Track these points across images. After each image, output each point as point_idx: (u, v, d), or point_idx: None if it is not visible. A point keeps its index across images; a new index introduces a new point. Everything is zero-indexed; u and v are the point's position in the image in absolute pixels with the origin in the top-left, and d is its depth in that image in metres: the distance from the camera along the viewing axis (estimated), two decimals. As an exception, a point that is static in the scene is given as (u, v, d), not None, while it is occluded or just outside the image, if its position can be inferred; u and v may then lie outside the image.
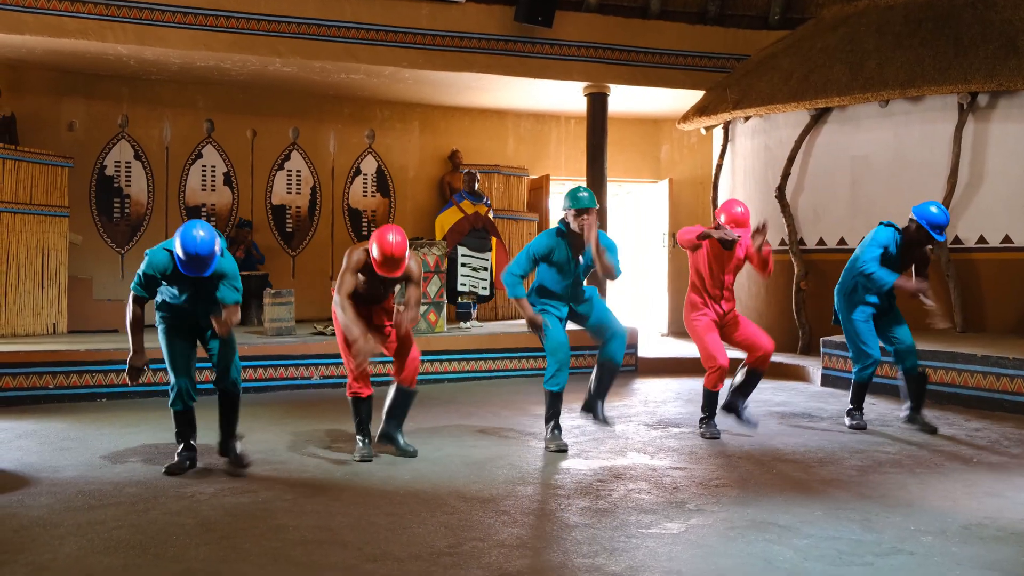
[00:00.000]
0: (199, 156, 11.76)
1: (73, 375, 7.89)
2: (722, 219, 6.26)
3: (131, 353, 5.26)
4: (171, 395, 5.36)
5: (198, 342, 5.48)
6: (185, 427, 5.43)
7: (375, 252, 5.37)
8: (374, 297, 5.74)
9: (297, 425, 6.82)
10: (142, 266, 5.20)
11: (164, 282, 5.21)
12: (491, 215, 10.82)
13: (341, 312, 5.49)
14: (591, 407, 6.24)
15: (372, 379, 5.79)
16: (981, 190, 9.30)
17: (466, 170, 10.87)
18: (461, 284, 10.39)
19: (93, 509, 4.51)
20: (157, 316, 5.40)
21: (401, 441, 5.79)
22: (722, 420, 6.61)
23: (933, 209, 6.42)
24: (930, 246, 6.64)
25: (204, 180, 11.74)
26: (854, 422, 6.77)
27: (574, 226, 5.91)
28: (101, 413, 7.31)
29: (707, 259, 6.38)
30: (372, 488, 4.96)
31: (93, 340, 8.89)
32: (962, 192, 9.33)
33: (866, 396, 6.90)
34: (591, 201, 5.92)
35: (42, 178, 9.59)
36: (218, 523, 4.30)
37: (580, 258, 6.01)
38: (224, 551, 3.89)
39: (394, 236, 5.37)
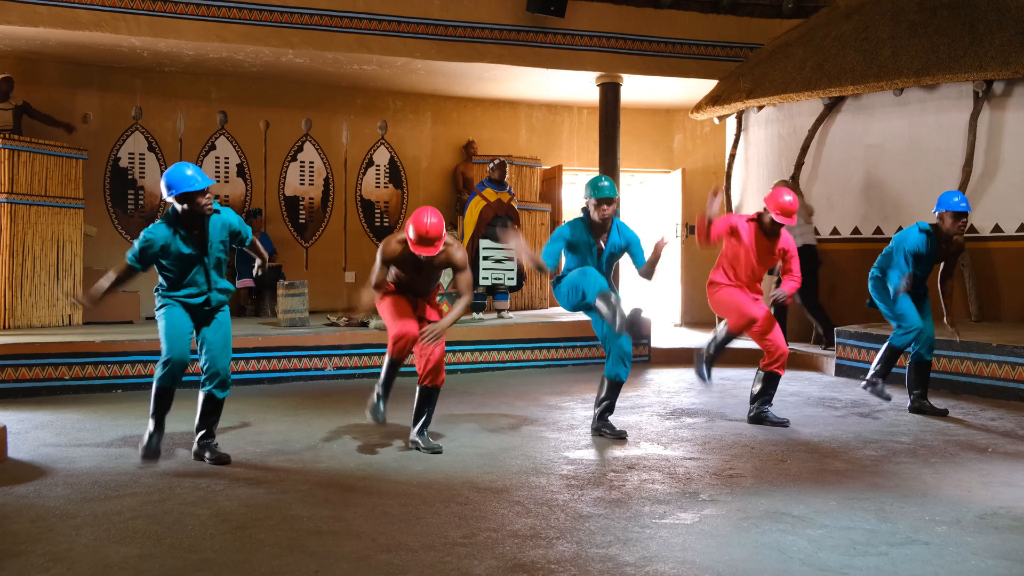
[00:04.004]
0: (212, 147, 11.79)
1: (88, 366, 7.94)
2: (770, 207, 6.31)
3: (92, 291, 5.24)
4: (161, 370, 5.17)
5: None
6: (164, 409, 5.25)
7: (411, 232, 5.43)
8: (417, 288, 5.76)
9: (311, 416, 6.85)
10: (139, 240, 5.13)
11: (164, 260, 5.14)
12: (515, 204, 10.72)
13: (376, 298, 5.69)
14: (601, 430, 6.12)
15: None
16: (996, 178, 9.24)
17: (497, 160, 10.82)
18: (483, 278, 10.33)
19: (109, 499, 4.54)
20: (158, 301, 5.26)
21: (423, 442, 5.70)
22: (735, 410, 6.60)
23: (955, 199, 6.66)
24: (957, 233, 6.69)
25: (217, 171, 11.77)
26: (879, 392, 6.83)
27: (594, 216, 5.91)
28: (116, 404, 7.35)
29: (746, 248, 6.35)
30: (386, 478, 4.98)
31: (108, 331, 8.93)
32: (977, 181, 9.27)
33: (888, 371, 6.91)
34: (612, 191, 5.90)
35: (56, 170, 9.63)
36: (233, 513, 4.32)
37: (602, 243, 5.97)
38: (239, 541, 3.91)
39: (430, 217, 5.43)
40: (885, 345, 6.92)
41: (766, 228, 6.36)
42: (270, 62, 10.84)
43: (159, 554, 3.75)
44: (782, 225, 6.31)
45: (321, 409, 7.15)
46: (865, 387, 6.88)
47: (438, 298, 5.85)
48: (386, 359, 5.75)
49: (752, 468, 5.24)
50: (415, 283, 5.76)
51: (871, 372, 6.93)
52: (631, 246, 6.07)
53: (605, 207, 5.87)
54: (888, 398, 6.76)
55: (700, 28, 11.57)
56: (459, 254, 5.68)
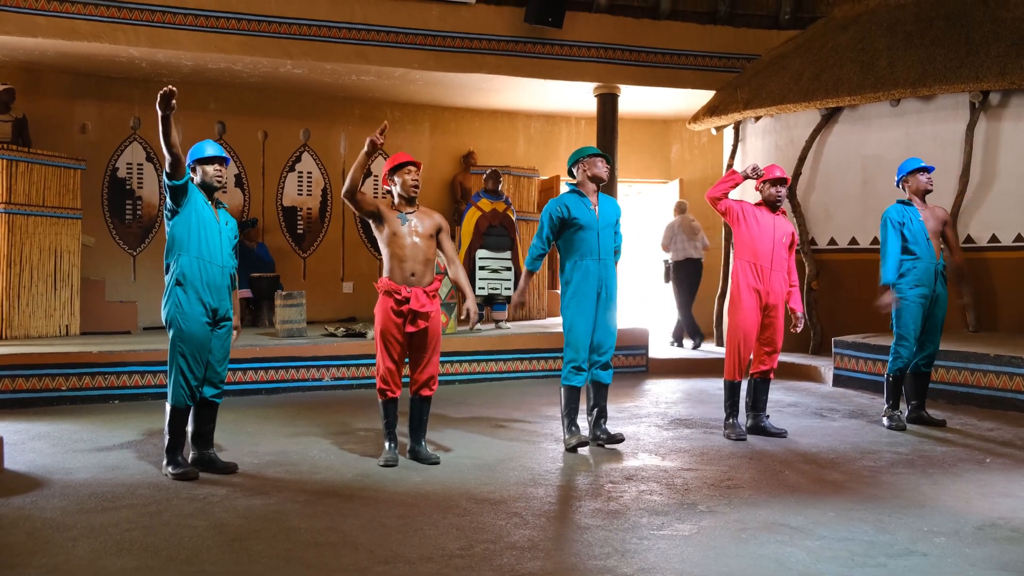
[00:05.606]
0: (210, 158, 11.78)
1: (86, 377, 7.92)
2: (763, 186, 6.61)
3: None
4: (184, 391, 5.16)
5: None
6: (184, 426, 5.27)
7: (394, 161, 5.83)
8: (414, 265, 5.54)
9: (308, 427, 6.83)
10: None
11: (192, 212, 5.39)
12: (513, 215, 10.77)
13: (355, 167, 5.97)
14: (598, 436, 6.14)
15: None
16: (993, 189, 9.26)
17: (490, 170, 10.88)
18: (479, 288, 10.35)
19: (106, 511, 4.53)
20: (169, 306, 5.18)
21: (423, 452, 5.68)
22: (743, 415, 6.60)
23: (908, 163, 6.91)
24: (929, 188, 6.83)
25: (215, 182, 11.76)
26: (892, 423, 6.74)
27: (591, 175, 6.04)
28: (113, 415, 7.34)
29: (762, 224, 6.44)
30: (383, 490, 4.97)
31: (106, 342, 8.92)
32: (974, 191, 9.29)
33: (900, 393, 6.87)
34: (599, 151, 6.15)
35: (55, 180, 9.62)
36: (230, 525, 4.31)
37: (595, 208, 6.02)
38: (236, 553, 3.91)
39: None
40: (884, 379, 6.94)
41: (768, 200, 6.58)
42: (268, 73, 10.86)
43: (156, 566, 3.74)
44: (780, 198, 6.56)
45: (318, 420, 7.13)
46: (888, 426, 6.72)
47: (440, 307, 5.77)
48: (380, 404, 5.63)
49: (750, 479, 5.24)
50: (407, 255, 5.54)
51: (885, 408, 6.89)
52: (617, 219, 6.20)
53: (600, 161, 6.06)
54: (904, 428, 6.68)
55: (697, 39, 11.59)
56: (439, 216, 5.81)
